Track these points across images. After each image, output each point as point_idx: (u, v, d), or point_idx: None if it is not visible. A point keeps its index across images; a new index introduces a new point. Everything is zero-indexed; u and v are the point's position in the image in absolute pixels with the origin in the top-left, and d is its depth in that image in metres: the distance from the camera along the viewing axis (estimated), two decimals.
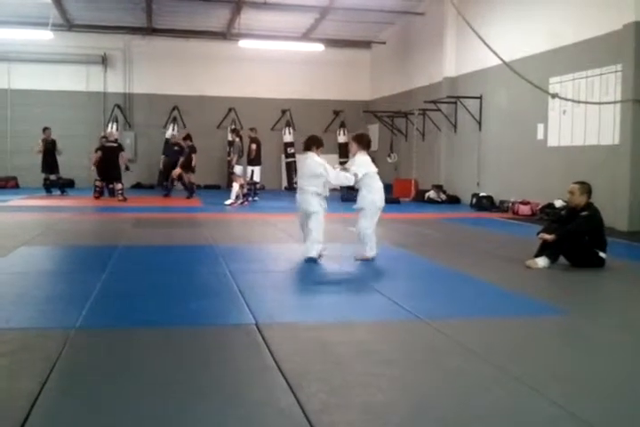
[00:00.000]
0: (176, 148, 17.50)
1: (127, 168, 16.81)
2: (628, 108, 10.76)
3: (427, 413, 2.96)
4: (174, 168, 17.04)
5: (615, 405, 3.14)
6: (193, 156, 16.89)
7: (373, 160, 7.65)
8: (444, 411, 2.97)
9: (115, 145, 16.53)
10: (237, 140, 15.79)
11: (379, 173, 7.44)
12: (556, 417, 2.92)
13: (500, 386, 3.30)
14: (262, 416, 2.87)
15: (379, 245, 7.39)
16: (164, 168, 18.59)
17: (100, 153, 16.24)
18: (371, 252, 7.15)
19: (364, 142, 7.36)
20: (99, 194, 16.39)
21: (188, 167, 16.92)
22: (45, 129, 17.60)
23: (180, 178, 17.11)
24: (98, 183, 16.46)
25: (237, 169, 15.41)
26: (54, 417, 2.84)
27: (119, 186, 15.99)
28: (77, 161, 18.84)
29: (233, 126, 20.01)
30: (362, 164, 7.18)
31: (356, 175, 7.03)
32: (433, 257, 7.59)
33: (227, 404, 3.00)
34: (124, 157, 16.62)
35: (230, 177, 16.52)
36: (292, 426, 2.77)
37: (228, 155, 18.69)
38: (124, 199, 15.73)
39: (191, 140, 17.13)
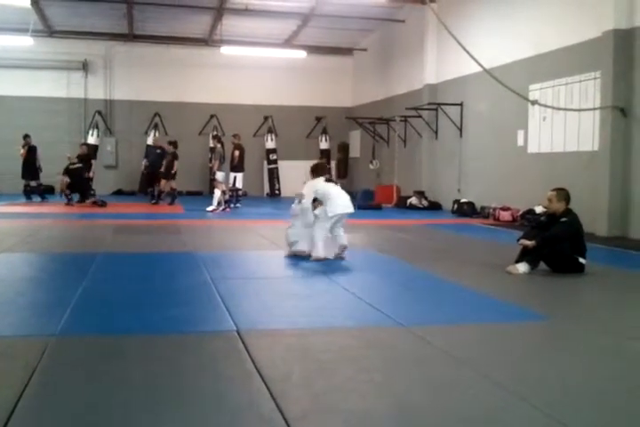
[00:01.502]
0: (158, 151, 17.43)
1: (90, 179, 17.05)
2: (607, 115, 10.88)
3: (410, 419, 2.96)
4: (156, 172, 17.02)
5: (597, 410, 3.15)
6: (175, 162, 16.83)
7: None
8: (427, 418, 2.97)
9: (79, 166, 16.54)
10: (219, 146, 15.77)
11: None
12: (539, 423, 2.94)
13: (482, 392, 3.31)
14: (243, 423, 2.86)
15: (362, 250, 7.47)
16: (146, 172, 18.51)
17: (67, 177, 16.29)
18: (319, 253, 7.59)
19: (316, 171, 8.07)
20: (70, 201, 16.27)
21: (169, 174, 16.86)
22: (26, 136, 17.51)
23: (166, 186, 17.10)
24: (67, 191, 16.36)
25: (219, 175, 15.39)
26: (33, 425, 2.81)
27: (92, 198, 16.14)
28: (58, 168, 18.65)
29: (215, 133, 19.98)
30: (308, 187, 7.86)
31: (300, 196, 7.82)
32: (414, 263, 7.60)
33: (207, 410, 2.98)
34: (92, 172, 16.73)
35: (212, 183, 16.45)
36: None
37: (210, 161, 18.65)
38: (103, 204, 15.78)
39: (175, 147, 17.06)
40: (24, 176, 17.44)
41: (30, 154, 17.37)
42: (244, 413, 2.96)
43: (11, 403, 2.99)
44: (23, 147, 17.33)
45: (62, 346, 4.00)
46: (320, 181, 7.87)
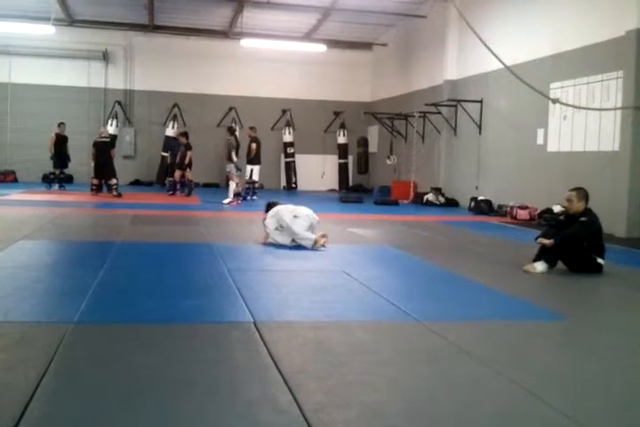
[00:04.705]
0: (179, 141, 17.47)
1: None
2: (628, 115, 10.78)
3: (424, 414, 2.96)
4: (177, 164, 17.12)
5: (614, 410, 3.14)
6: (188, 153, 16.88)
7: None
8: (440, 412, 2.98)
9: (107, 140, 16.42)
10: (232, 138, 15.77)
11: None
12: (554, 422, 2.93)
13: (497, 389, 3.30)
14: (260, 414, 2.86)
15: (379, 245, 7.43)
16: (169, 164, 18.56)
17: (93, 149, 16.25)
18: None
19: (266, 208, 8.74)
20: (95, 192, 16.22)
21: (183, 165, 16.91)
22: (60, 124, 17.56)
23: (181, 177, 17.13)
24: (94, 181, 16.33)
25: (232, 167, 15.36)
26: (52, 411, 2.83)
27: (113, 181, 15.93)
28: (77, 157, 18.80)
29: (231, 124, 20.00)
30: (269, 222, 8.37)
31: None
32: (430, 259, 7.59)
33: (224, 401, 3.00)
34: (113, 154, 16.48)
35: (228, 176, 16.45)
36: (289, 424, 2.77)
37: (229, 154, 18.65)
38: (119, 195, 15.67)
39: (187, 138, 17.11)
40: (56, 165, 17.49)
41: (62, 143, 17.42)
42: (260, 404, 2.97)
43: (30, 388, 3.03)
44: (55, 134, 17.33)
45: (80, 334, 4.03)
46: (275, 211, 8.41)
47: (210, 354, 3.70)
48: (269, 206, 8.67)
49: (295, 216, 8.22)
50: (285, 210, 8.36)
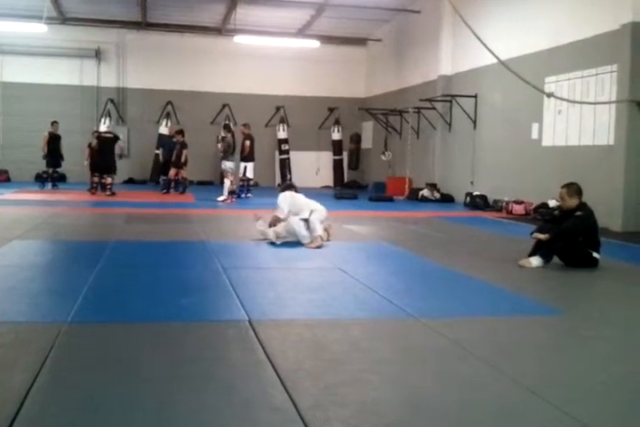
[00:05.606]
0: (174, 139, 17.39)
1: (120, 156, 16.76)
2: (623, 109, 10.77)
3: (420, 411, 2.94)
4: (171, 161, 17.04)
5: (610, 405, 3.12)
6: (184, 151, 16.82)
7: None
8: (437, 410, 2.96)
9: (111, 136, 16.41)
10: (229, 135, 15.71)
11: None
12: (551, 417, 2.91)
13: (494, 385, 3.29)
14: (255, 412, 2.84)
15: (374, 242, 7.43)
16: (163, 162, 18.44)
17: (96, 142, 16.14)
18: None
19: (282, 187, 9.34)
20: (95, 190, 16.18)
21: (179, 163, 16.85)
22: (53, 122, 17.46)
23: (176, 175, 17.06)
24: (95, 179, 16.25)
25: (228, 165, 15.31)
26: (46, 411, 2.81)
27: (109, 180, 15.88)
28: (70, 156, 18.70)
29: (226, 122, 19.94)
30: (282, 201, 8.60)
31: (282, 210, 8.48)
32: (426, 255, 7.57)
33: (219, 400, 2.97)
34: (120, 146, 16.45)
35: (222, 173, 16.38)
36: (284, 422, 2.75)
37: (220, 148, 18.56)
38: (113, 194, 15.62)
39: (183, 136, 17.04)
40: (49, 164, 17.40)
41: (55, 142, 17.34)
42: (255, 402, 2.95)
43: (25, 387, 3.00)
44: (48, 133, 17.24)
45: (74, 333, 4.00)
46: (290, 194, 8.69)
47: (205, 352, 3.68)
48: (287, 188, 8.99)
49: (312, 211, 8.28)
50: (304, 204, 8.49)
